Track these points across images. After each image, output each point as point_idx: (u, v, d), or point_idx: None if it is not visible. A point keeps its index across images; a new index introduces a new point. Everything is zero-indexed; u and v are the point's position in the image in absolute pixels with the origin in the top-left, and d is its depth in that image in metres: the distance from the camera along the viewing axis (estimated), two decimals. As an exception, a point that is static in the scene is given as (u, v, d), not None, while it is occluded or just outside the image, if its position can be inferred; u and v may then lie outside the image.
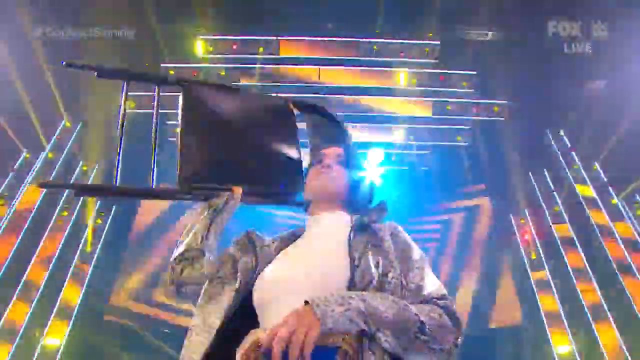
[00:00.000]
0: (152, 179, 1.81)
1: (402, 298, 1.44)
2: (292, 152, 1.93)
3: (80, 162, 10.79)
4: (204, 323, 1.56)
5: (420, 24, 10.07)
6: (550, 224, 10.30)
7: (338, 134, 2.00)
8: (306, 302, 1.33)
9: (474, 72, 10.62)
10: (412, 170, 11.43)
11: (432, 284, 1.52)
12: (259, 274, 1.62)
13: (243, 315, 1.57)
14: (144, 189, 1.84)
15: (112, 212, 10.78)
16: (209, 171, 1.79)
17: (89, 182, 10.08)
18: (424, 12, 9.71)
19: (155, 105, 1.84)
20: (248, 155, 1.87)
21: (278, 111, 2.00)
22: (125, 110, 1.78)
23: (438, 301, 1.46)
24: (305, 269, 1.54)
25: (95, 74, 1.77)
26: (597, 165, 10.39)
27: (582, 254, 9.66)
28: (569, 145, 10.83)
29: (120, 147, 1.77)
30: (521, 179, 10.70)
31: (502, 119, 10.91)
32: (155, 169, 1.80)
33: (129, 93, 1.81)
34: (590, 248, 9.65)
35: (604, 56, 8.92)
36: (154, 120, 1.80)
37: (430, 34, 10.28)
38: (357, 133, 10.72)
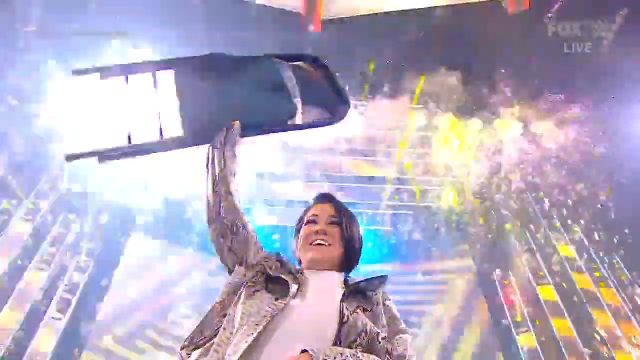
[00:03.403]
0: (161, 133, 2.09)
1: None
2: (278, 87, 2.20)
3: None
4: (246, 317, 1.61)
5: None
6: (535, 285, 10.26)
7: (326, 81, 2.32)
8: (304, 351, 1.40)
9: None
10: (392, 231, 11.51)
11: (415, 355, 1.64)
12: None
13: None
14: (156, 143, 2.10)
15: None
16: (209, 118, 2.09)
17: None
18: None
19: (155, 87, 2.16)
20: (240, 99, 2.15)
21: (261, 62, 2.29)
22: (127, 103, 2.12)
23: None
24: (294, 322, 1.59)
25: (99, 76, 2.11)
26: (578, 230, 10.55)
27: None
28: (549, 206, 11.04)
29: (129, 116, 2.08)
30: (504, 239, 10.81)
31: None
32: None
33: None
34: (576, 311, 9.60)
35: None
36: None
37: None
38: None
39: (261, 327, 1.51)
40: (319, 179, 11.03)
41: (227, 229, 1.87)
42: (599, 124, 9.80)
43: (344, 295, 1.68)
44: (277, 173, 11.08)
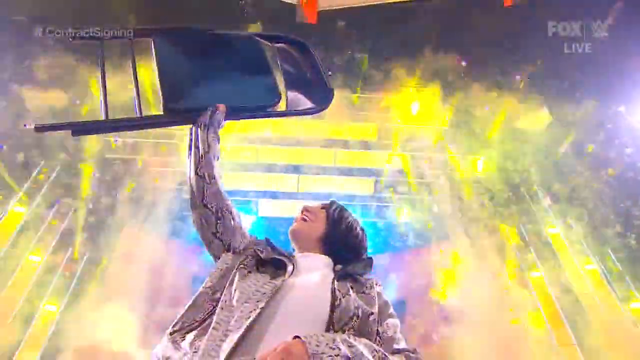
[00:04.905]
0: (140, 110, 1.95)
1: (377, 345, 1.56)
2: (263, 71, 2.13)
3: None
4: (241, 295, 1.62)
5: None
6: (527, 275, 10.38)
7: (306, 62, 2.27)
8: (296, 337, 1.40)
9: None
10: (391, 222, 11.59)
11: (403, 339, 1.68)
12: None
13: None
14: (134, 120, 1.97)
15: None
16: (191, 97, 1.99)
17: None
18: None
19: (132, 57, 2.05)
20: (224, 80, 2.06)
21: (245, 41, 2.22)
22: (104, 66, 2.00)
23: (411, 354, 1.60)
24: (289, 301, 1.61)
25: (71, 40, 2.00)
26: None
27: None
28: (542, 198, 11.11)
29: (104, 88, 1.95)
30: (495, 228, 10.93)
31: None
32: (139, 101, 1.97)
33: None
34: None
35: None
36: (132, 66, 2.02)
37: None
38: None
39: (263, 304, 1.54)
40: (317, 172, 11.06)
41: (211, 215, 1.83)
42: (595, 120, 9.86)
43: (334, 278, 1.71)
44: (275, 165, 11.10)
